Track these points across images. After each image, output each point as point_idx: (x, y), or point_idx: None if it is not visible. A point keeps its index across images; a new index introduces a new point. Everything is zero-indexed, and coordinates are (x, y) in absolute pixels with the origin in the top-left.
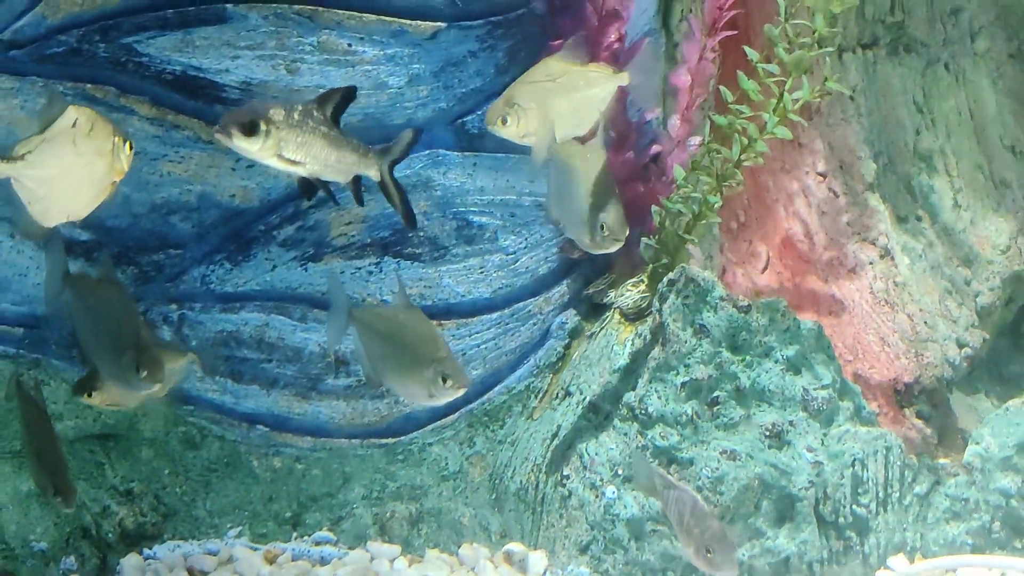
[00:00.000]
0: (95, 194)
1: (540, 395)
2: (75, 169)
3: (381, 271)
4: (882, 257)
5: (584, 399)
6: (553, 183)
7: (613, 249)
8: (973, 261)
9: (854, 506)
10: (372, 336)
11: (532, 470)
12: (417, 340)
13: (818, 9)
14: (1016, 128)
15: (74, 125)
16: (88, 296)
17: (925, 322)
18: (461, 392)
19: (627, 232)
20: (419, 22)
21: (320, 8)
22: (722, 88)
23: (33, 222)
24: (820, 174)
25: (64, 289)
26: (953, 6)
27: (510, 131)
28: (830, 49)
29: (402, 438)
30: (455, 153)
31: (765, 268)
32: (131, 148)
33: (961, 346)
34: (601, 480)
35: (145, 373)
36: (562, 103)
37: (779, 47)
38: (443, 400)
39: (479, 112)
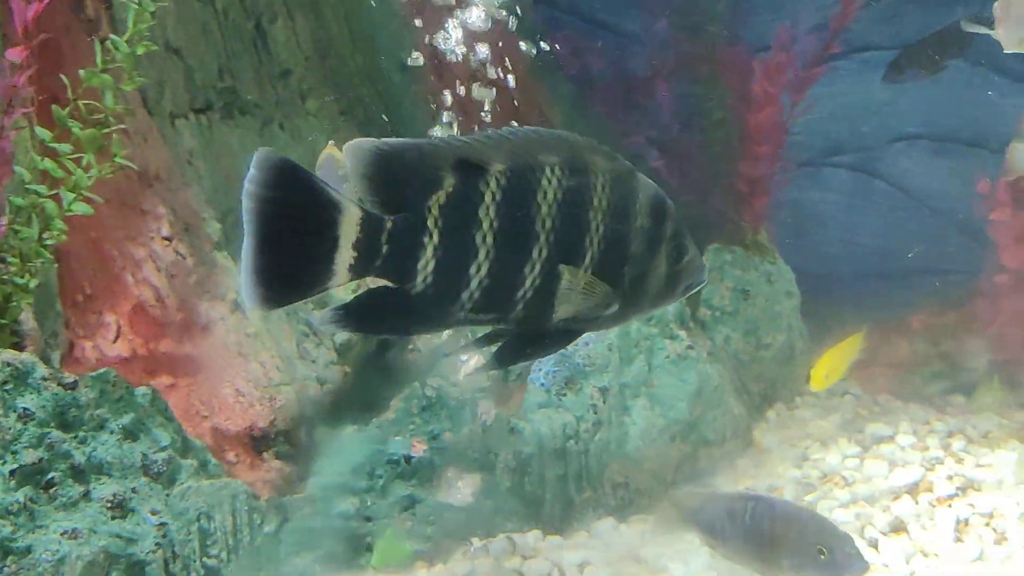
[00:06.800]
0: None
1: None
2: None
3: None
4: (233, 312)
5: None
6: None
7: None
8: (328, 303)
9: (204, 559)
10: None
11: None
12: None
13: (107, 88)
14: None
15: None
16: None
17: (277, 367)
18: None
19: None
20: None
21: None
22: (18, 169)
23: None
24: (166, 238)
25: None
26: (282, 69)
27: None
28: (123, 125)
29: None
30: None
31: (117, 338)
32: None
33: (322, 383)
34: None
35: None
36: None
37: (74, 126)
38: None
39: None
